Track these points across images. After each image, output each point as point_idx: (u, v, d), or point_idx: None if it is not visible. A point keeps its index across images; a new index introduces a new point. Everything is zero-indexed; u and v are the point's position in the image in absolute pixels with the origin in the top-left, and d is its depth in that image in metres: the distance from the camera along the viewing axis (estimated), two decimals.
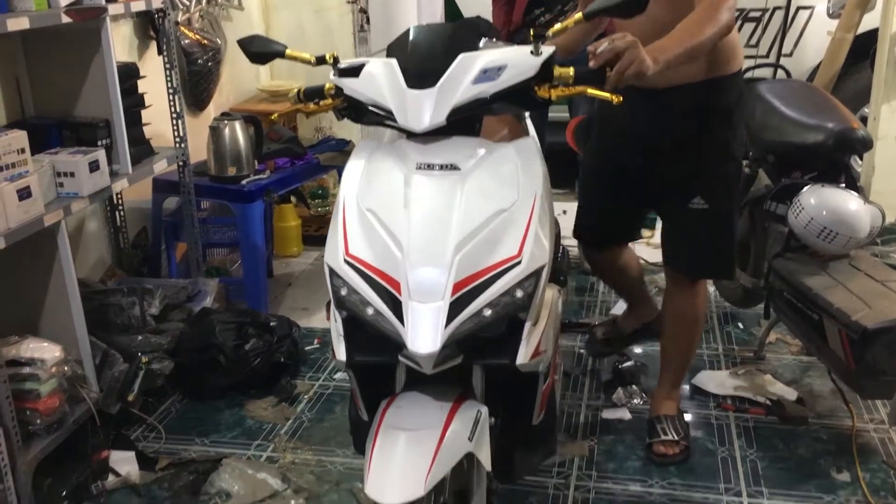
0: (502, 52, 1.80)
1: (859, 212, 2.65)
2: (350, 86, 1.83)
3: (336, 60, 1.87)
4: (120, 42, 3.35)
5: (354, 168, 1.81)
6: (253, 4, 4.47)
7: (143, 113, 3.06)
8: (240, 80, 4.37)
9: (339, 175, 3.91)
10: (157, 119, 3.18)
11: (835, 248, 2.69)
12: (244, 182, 3.33)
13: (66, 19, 2.50)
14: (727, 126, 2.29)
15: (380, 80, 1.79)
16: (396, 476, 1.55)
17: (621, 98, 1.77)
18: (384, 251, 1.65)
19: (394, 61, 1.80)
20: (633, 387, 2.90)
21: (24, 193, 2.32)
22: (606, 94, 1.77)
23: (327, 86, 1.95)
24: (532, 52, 1.77)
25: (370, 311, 1.63)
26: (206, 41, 3.79)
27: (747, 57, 4.63)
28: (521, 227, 1.67)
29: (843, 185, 2.73)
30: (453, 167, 1.73)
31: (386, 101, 1.77)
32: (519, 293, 1.63)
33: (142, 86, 3.06)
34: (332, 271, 1.69)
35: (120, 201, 3.34)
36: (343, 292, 1.66)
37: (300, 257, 4.25)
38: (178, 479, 2.50)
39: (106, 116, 2.79)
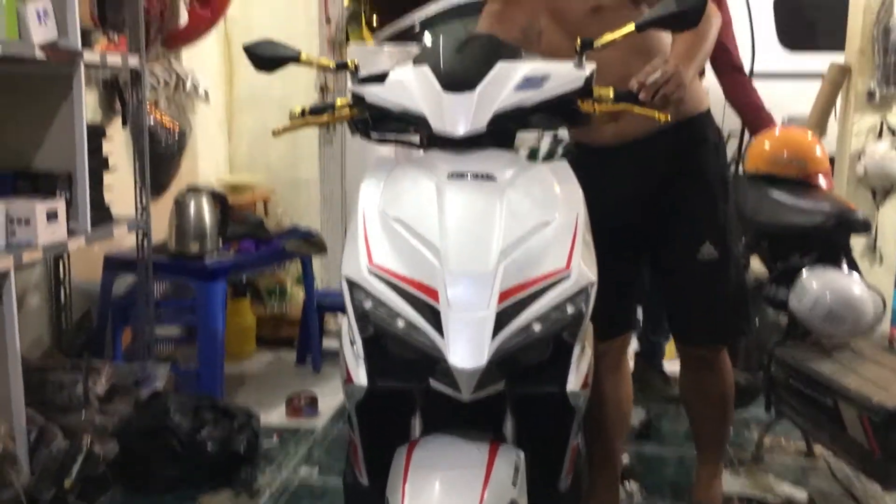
0: (543, 64, 1.69)
1: (864, 295, 2.57)
2: (375, 92, 1.67)
3: (357, 68, 1.72)
4: None
5: (373, 181, 1.62)
6: (219, 101, 4.36)
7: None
8: (201, 171, 4.18)
9: (304, 265, 3.75)
10: (117, 196, 2.95)
11: (841, 332, 2.58)
12: (206, 260, 3.09)
13: (39, 55, 2.32)
14: (718, 160, 2.18)
15: (410, 84, 1.64)
16: None
17: (668, 117, 1.67)
18: (417, 259, 1.45)
19: (425, 67, 1.67)
20: (632, 483, 2.65)
21: None
22: (653, 112, 1.67)
23: (339, 102, 1.79)
24: (575, 66, 1.66)
25: (400, 323, 1.41)
26: (171, 124, 3.63)
27: None
28: (567, 241, 1.51)
29: (845, 267, 2.66)
30: (489, 177, 1.57)
31: (418, 105, 1.62)
32: (570, 309, 1.44)
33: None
34: (352, 284, 1.47)
35: (66, 276, 3.05)
36: (367, 305, 1.44)
37: (252, 358, 3.95)
38: None
39: (68, 170, 2.56)
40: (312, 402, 3.25)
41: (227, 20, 4.39)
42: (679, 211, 2.15)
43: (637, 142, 2.07)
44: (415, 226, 1.49)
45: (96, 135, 2.78)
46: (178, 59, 3.90)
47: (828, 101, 4.13)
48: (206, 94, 4.05)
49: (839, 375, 2.45)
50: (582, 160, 2.15)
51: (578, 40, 1.65)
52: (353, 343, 1.50)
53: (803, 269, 2.64)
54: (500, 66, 1.64)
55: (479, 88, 1.60)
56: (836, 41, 4.58)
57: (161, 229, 3.32)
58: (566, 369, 1.46)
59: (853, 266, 2.70)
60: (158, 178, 3.66)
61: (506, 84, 1.62)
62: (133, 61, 2.82)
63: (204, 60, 4.17)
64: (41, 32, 2.37)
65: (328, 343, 3.94)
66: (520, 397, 1.54)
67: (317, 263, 4.06)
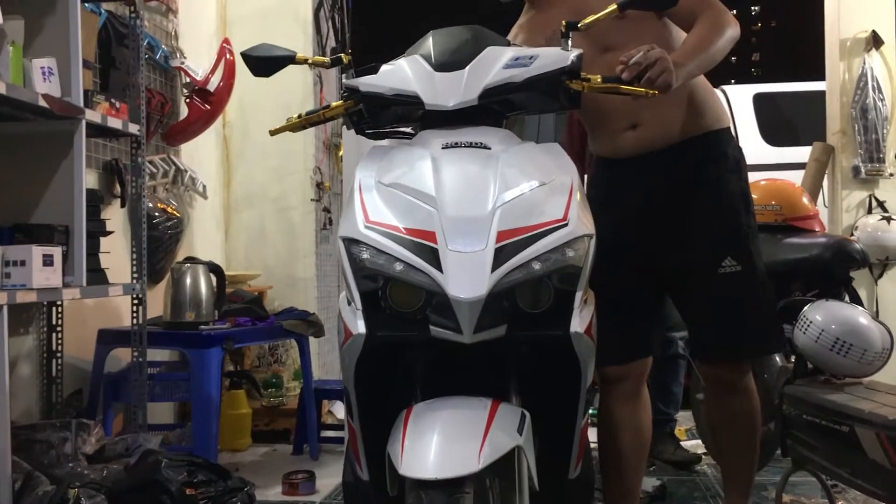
0: (531, 48, 1.75)
1: (871, 325, 2.53)
2: (368, 81, 1.72)
3: (350, 62, 1.78)
4: None
5: (368, 161, 1.64)
6: (216, 201, 4.43)
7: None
8: None
9: (301, 349, 3.69)
10: (113, 276, 2.95)
11: (849, 364, 2.51)
12: (202, 327, 3.05)
13: (42, 103, 2.39)
14: (738, 174, 2.15)
15: (402, 69, 1.70)
16: (440, 451, 1.27)
17: (656, 93, 1.71)
18: (413, 211, 1.47)
19: (416, 56, 1.72)
20: None
21: None
22: (640, 90, 1.71)
23: (334, 103, 1.83)
24: (563, 48, 1.72)
25: (399, 266, 1.40)
26: (169, 209, 3.68)
27: None
28: (563, 197, 1.52)
29: (847, 300, 2.64)
30: (483, 146, 1.59)
31: (411, 85, 1.66)
32: (570, 252, 1.44)
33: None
34: (349, 241, 1.47)
35: (60, 348, 2.99)
36: (365, 255, 1.43)
37: (247, 451, 3.82)
38: None
39: (66, 224, 2.58)
40: (310, 479, 3.12)
41: (226, 125, 4.55)
42: (700, 225, 2.09)
43: (656, 153, 2.08)
44: (411, 185, 1.51)
45: (95, 198, 2.82)
46: (178, 155, 3.99)
47: (815, 178, 4.22)
48: (204, 188, 4.11)
49: (853, 401, 2.38)
50: (600, 174, 2.19)
51: (563, 22, 1.72)
52: (350, 302, 1.48)
53: (809, 304, 2.62)
54: (490, 49, 1.69)
55: (468, 66, 1.66)
56: (815, 136, 4.75)
57: (156, 310, 3.30)
58: (568, 315, 1.43)
59: (857, 301, 2.68)
60: (154, 264, 3.67)
61: (495, 63, 1.67)
62: (134, 128, 2.90)
63: (202, 160, 4.27)
64: (45, 87, 2.45)
65: (326, 434, 3.83)
66: (523, 357, 1.50)
67: (313, 358, 4.00)
